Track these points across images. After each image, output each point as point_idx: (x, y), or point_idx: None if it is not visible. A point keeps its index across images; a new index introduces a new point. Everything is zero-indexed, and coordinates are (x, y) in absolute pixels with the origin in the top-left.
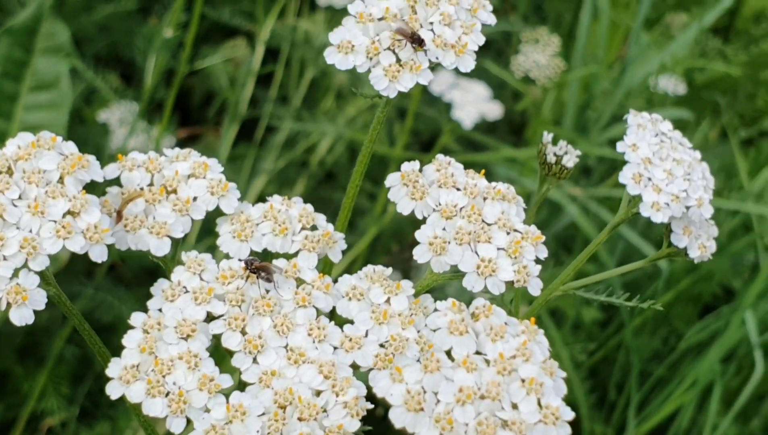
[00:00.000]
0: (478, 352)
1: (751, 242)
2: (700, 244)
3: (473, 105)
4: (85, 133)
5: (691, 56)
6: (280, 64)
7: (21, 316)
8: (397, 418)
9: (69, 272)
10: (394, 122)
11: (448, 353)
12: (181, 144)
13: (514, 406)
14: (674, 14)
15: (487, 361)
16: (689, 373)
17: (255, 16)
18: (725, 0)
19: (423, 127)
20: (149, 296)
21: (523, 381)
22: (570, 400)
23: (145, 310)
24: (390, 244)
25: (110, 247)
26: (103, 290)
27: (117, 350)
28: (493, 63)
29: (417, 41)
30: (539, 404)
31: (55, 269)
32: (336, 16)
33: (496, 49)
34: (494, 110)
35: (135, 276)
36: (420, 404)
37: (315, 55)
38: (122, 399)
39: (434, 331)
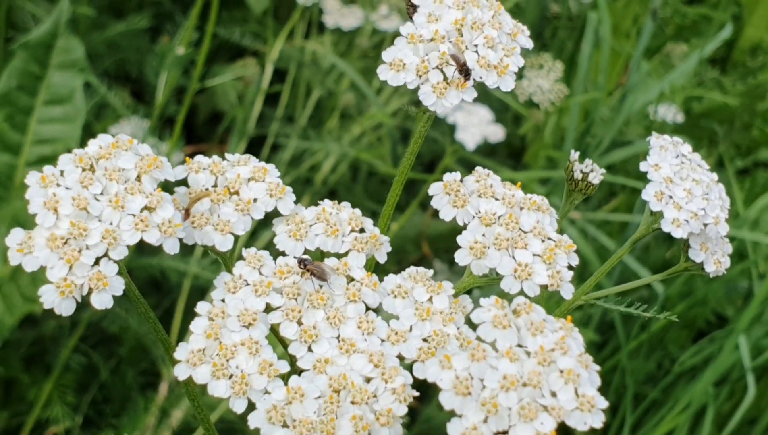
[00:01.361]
0: (519, 345)
1: (746, 269)
2: (715, 259)
3: (477, 127)
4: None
5: (689, 86)
6: (288, 84)
7: (101, 301)
8: (446, 400)
9: None
10: (398, 143)
11: (492, 345)
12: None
13: (553, 394)
14: (674, 44)
15: (528, 353)
16: (683, 396)
17: (264, 37)
18: (724, 31)
19: (425, 149)
20: (155, 307)
21: (561, 372)
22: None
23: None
24: (391, 263)
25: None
26: None
27: (124, 360)
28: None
29: (465, 72)
30: (576, 393)
31: None
32: (343, 38)
33: None
34: (497, 133)
35: (140, 288)
36: (468, 389)
37: (322, 76)
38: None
39: (478, 325)
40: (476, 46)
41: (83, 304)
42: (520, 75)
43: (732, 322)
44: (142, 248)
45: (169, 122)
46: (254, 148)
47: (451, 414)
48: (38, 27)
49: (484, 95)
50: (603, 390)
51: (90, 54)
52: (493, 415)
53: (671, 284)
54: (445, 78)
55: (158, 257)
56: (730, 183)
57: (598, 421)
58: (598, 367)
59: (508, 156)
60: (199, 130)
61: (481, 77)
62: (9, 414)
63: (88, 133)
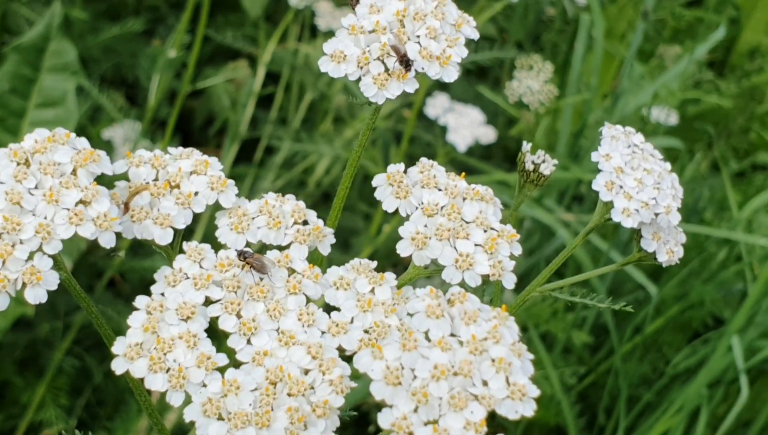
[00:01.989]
0: (453, 335)
1: (740, 271)
2: (668, 249)
3: (468, 129)
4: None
5: (684, 88)
6: (281, 87)
7: (35, 295)
8: (377, 391)
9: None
10: (390, 145)
11: (426, 335)
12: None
13: (485, 383)
14: (667, 46)
15: (461, 342)
16: (677, 399)
17: (257, 40)
18: (717, 33)
19: (420, 151)
20: None
21: (493, 361)
22: (559, 423)
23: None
24: (385, 265)
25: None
26: (103, 303)
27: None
28: (488, 90)
29: (405, 63)
30: (507, 382)
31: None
32: None
33: (494, 77)
34: (488, 134)
35: (134, 291)
36: (398, 379)
37: (314, 79)
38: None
39: (413, 314)
40: (418, 37)
41: (75, 307)
42: (509, 76)
43: (728, 323)
44: (135, 251)
45: (164, 125)
46: (248, 150)
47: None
48: (30, 30)
49: (478, 97)
50: (597, 392)
51: (86, 58)
52: (424, 404)
53: (665, 286)
54: (387, 69)
55: (150, 259)
56: (724, 185)
57: (529, 410)
58: (531, 356)
59: (504, 159)
60: (195, 134)
61: (423, 68)
62: (2, 417)
63: (82, 137)
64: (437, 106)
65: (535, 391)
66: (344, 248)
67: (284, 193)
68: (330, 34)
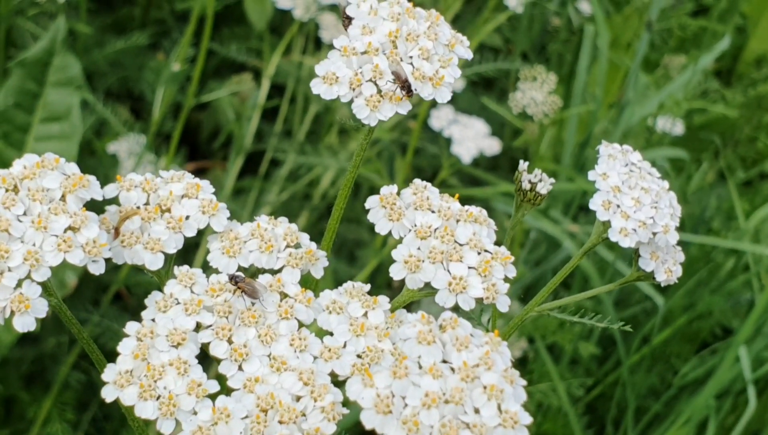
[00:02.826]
0: (444, 361)
1: (748, 281)
2: (666, 268)
3: (472, 141)
4: (95, 164)
5: (691, 98)
6: (285, 99)
7: (23, 323)
8: (367, 419)
9: (76, 299)
10: (395, 157)
11: (418, 362)
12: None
13: (476, 411)
14: (672, 56)
15: (453, 369)
16: (685, 410)
17: (262, 53)
18: (722, 42)
19: (425, 163)
20: None
21: (484, 387)
22: None
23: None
24: (389, 279)
25: (112, 269)
26: (109, 318)
27: None
28: (494, 101)
29: (407, 88)
30: (499, 409)
31: (63, 295)
32: None
33: (500, 88)
34: (493, 146)
35: (140, 305)
36: (389, 407)
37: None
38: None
39: (404, 341)
40: (411, 57)
41: (81, 321)
42: (513, 87)
43: (735, 334)
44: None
45: (169, 138)
46: (253, 163)
47: (373, 433)
48: (35, 44)
49: (483, 108)
50: (606, 404)
51: (93, 72)
52: (414, 433)
53: (672, 296)
54: (379, 90)
55: None
56: (731, 195)
57: None
58: (524, 382)
59: (511, 169)
60: (202, 147)
61: (416, 89)
62: (9, 432)
63: (87, 151)
64: (441, 118)
65: (527, 419)
66: (350, 260)
67: (289, 206)
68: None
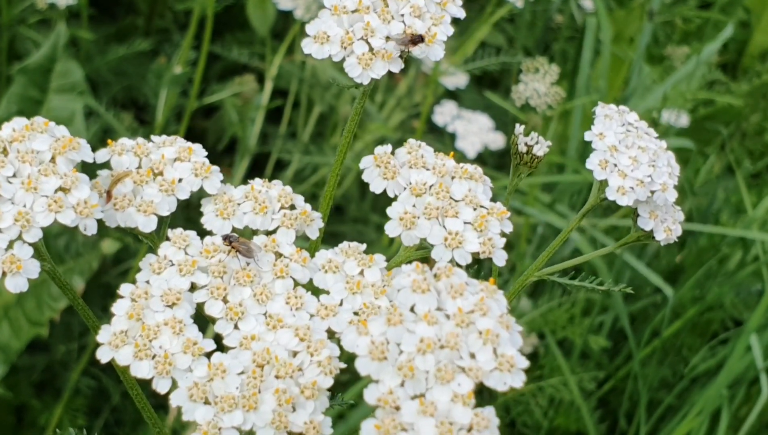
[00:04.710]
0: (439, 309)
1: (757, 271)
2: (665, 227)
3: (476, 136)
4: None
5: (696, 89)
6: (289, 101)
7: (16, 284)
8: (362, 367)
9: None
10: None
11: (412, 310)
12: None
13: (472, 356)
14: (675, 47)
15: (447, 316)
16: (698, 401)
17: (265, 56)
18: (725, 31)
19: None
20: None
21: (480, 333)
22: (580, 429)
23: None
24: None
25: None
26: None
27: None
28: (499, 96)
29: (417, 40)
30: (495, 353)
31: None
32: None
33: (505, 87)
34: (497, 140)
35: None
36: (383, 354)
37: (323, 92)
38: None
39: (399, 290)
40: (402, 15)
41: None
42: (516, 79)
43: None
44: None
45: None
46: (260, 166)
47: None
48: (37, 51)
49: (488, 107)
50: (618, 397)
51: (97, 81)
52: (410, 378)
53: (681, 288)
54: (371, 49)
55: None
56: (739, 188)
57: (518, 381)
58: (520, 328)
59: None
60: (210, 154)
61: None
62: None
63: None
64: (445, 114)
65: (524, 362)
66: None
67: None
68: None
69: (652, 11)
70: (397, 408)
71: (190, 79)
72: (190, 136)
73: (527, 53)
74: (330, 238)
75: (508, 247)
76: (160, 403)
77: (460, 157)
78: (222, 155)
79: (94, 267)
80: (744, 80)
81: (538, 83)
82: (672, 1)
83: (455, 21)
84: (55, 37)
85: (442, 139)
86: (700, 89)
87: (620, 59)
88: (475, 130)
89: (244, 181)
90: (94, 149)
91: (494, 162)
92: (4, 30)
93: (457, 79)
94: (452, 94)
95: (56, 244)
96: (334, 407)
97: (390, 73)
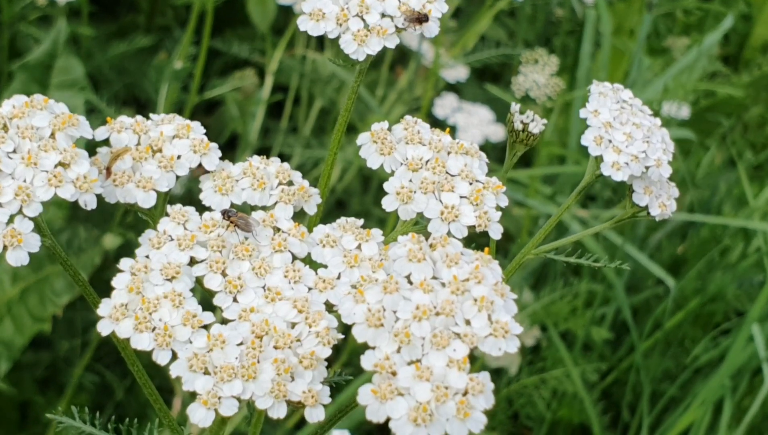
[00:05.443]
0: (435, 278)
1: (759, 262)
2: (660, 202)
3: (477, 128)
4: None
5: (697, 81)
6: (290, 96)
7: (17, 258)
8: (359, 333)
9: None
10: None
11: (408, 279)
12: (197, 179)
13: (467, 322)
14: (675, 39)
15: (443, 284)
16: (701, 392)
17: (266, 52)
18: (725, 22)
19: None
20: None
21: (475, 300)
22: (584, 421)
23: None
24: None
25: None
26: None
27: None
28: (500, 90)
29: (423, 19)
30: (490, 320)
31: (73, 296)
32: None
33: (506, 81)
34: (498, 133)
35: None
36: (380, 320)
37: (323, 86)
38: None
39: (395, 260)
40: None
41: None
42: (516, 71)
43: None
44: None
45: None
46: None
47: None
48: (37, 48)
49: (490, 100)
50: (621, 389)
51: (99, 78)
52: (406, 344)
53: (683, 279)
54: (366, 25)
55: None
56: (741, 180)
57: (513, 347)
58: (515, 296)
59: (520, 158)
60: None
61: (403, 23)
62: None
63: (92, 154)
64: (445, 106)
65: (518, 328)
66: None
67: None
68: (337, 40)
69: (651, 2)
70: (394, 373)
71: (190, 74)
72: None
73: (528, 47)
74: None
75: (509, 238)
76: (165, 398)
77: None
78: (223, 150)
79: (97, 262)
80: (745, 72)
81: (537, 74)
82: None
83: (456, 15)
84: (56, 34)
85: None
86: (701, 81)
87: (621, 51)
88: (476, 123)
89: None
90: (95, 146)
91: (496, 155)
92: (5, 27)
93: (458, 73)
94: (453, 88)
95: (59, 240)
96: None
97: (391, 67)
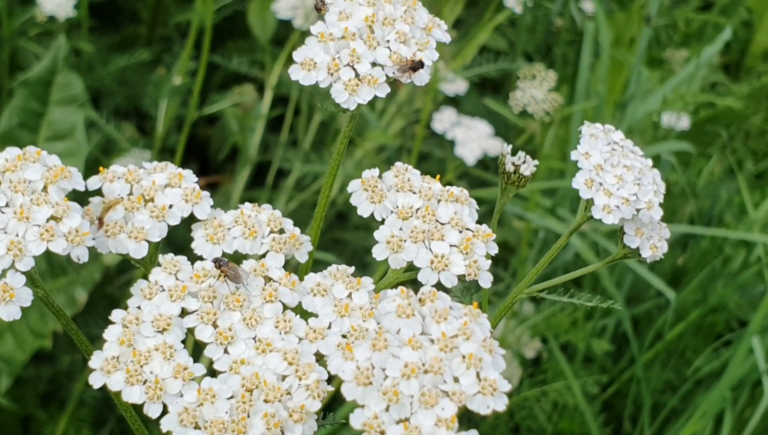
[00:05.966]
0: (424, 333)
1: (760, 272)
2: (651, 244)
3: (476, 142)
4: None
5: (696, 92)
6: (290, 109)
7: (8, 313)
8: (348, 392)
9: (87, 315)
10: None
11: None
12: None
13: (456, 380)
14: (674, 51)
15: (432, 340)
16: (702, 404)
17: (266, 65)
18: (724, 33)
19: (431, 168)
20: None
21: (463, 357)
22: (584, 433)
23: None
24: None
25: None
26: None
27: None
28: (500, 105)
29: (418, 66)
30: (478, 377)
31: (73, 312)
32: None
33: (506, 92)
34: (497, 147)
35: None
36: (369, 379)
37: (322, 100)
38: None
39: (384, 315)
40: (388, 41)
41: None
42: (513, 86)
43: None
44: None
45: (174, 153)
46: (262, 174)
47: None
48: (37, 64)
49: (490, 113)
50: (622, 401)
51: (100, 91)
52: (395, 403)
53: (684, 290)
54: (357, 75)
55: None
56: (741, 189)
57: (501, 405)
58: (503, 352)
59: None
60: (212, 162)
61: (394, 73)
62: None
63: (95, 169)
64: (444, 121)
65: (506, 386)
66: (362, 268)
67: (298, 215)
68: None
69: (649, 16)
70: (382, 433)
71: (190, 89)
72: (193, 144)
73: (528, 57)
74: (333, 245)
75: (510, 251)
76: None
77: (460, 164)
78: (224, 164)
79: (97, 278)
80: (746, 80)
81: (535, 90)
82: (673, 1)
83: (455, 26)
84: (56, 50)
85: (442, 144)
86: (701, 91)
87: (620, 62)
88: (475, 137)
89: (245, 191)
90: (96, 160)
91: (495, 168)
92: (5, 43)
93: (457, 86)
94: (453, 101)
95: (59, 256)
96: (326, 426)
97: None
